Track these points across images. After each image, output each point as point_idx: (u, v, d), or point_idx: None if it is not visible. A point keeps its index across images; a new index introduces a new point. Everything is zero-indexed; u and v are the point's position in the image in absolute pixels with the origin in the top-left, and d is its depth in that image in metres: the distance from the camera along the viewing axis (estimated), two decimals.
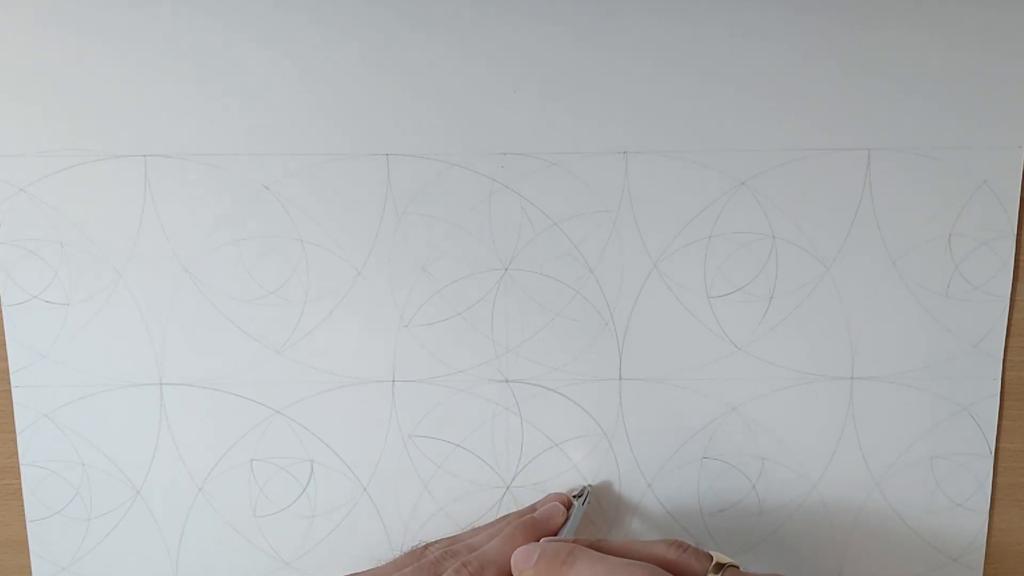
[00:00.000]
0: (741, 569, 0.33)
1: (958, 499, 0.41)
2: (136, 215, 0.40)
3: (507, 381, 0.41)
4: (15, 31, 0.38)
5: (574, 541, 0.34)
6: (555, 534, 0.37)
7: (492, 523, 0.40)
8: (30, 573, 0.42)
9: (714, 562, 0.33)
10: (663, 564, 0.32)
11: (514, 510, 0.41)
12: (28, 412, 0.41)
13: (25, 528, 0.42)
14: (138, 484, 0.42)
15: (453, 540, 0.39)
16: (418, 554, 0.37)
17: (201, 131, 0.39)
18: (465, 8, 0.38)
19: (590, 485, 0.41)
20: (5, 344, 0.40)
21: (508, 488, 0.42)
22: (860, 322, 0.40)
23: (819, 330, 0.40)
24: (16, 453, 0.41)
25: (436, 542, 0.39)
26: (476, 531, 0.40)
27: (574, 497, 0.40)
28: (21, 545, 0.42)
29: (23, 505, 0.42)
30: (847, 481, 0.41)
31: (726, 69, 0.38)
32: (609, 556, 0.32)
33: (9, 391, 0.41)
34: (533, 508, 0.40)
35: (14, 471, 0.41)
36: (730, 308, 0.40)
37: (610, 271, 0.40)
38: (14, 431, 0.41)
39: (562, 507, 0.39)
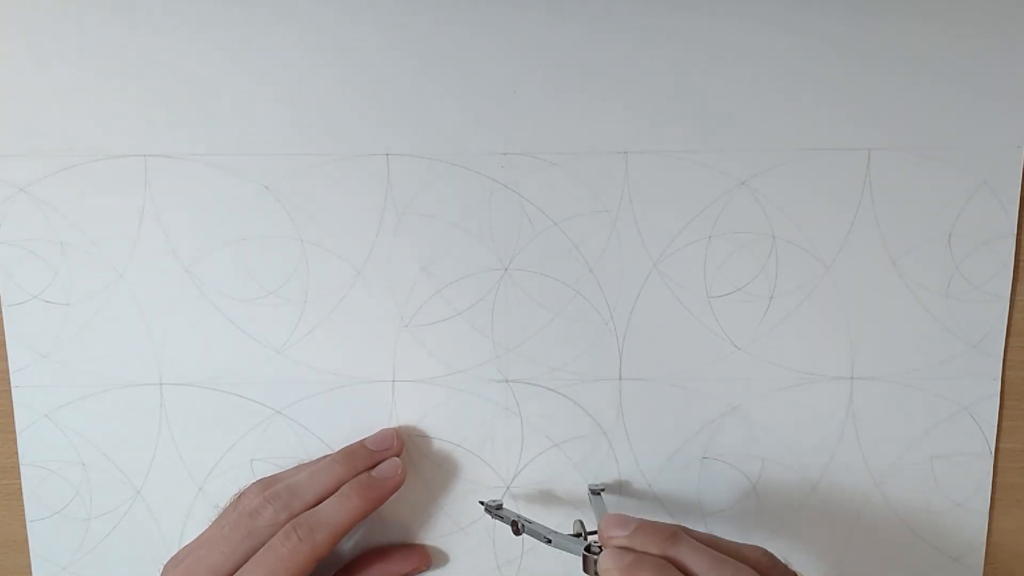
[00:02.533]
0: None
1: (958, 499, 0.41)
2: (136, 215, 0.40)
3: (507, 381, 0.41)
4: (16, 31, 0.38)
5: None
6: (393, 491, 0.37)
7: (316, 461, 0.39)
8: (30, 573, 0.42)
9: None
10: (758, 569, 0.31)
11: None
12: (28, 412, 0.41)
13: (25, 528, 0.42)
14: (138, 484, 0.42)
15: (273, 481, 0.38)
16: (234, 505, 0.36)
17: (201, 131, 0.39)
18: (465, 8, 0.38)
19: (603, 487, 0.41)
20: (5, 344, 0.40)
21: (508, 488, 0.42)
22: (860, 322, 0.40)
23: (819, 330, 0.40)
24: (16, 453, 0.41)
25: (252, 486, 0.37)
26: (298, 469, 0.39)
27: (593, 494, 0.40)
28: (21, 545, 0.42)
29: (23, 505, 0.42)
30: (847, 481, 0.41)
31: (726, 69, 0.38)
32: (710, 548, 0.31)
33: (9, 391, 0.41)
34: (363, 444, 0.39)
35: (14, 471, 0.41)
36: (730, 308, 0.40)
37: (610, 271, 0.40)
38: (14, 431, 0.41)
39: (398, 462, 0.38)
